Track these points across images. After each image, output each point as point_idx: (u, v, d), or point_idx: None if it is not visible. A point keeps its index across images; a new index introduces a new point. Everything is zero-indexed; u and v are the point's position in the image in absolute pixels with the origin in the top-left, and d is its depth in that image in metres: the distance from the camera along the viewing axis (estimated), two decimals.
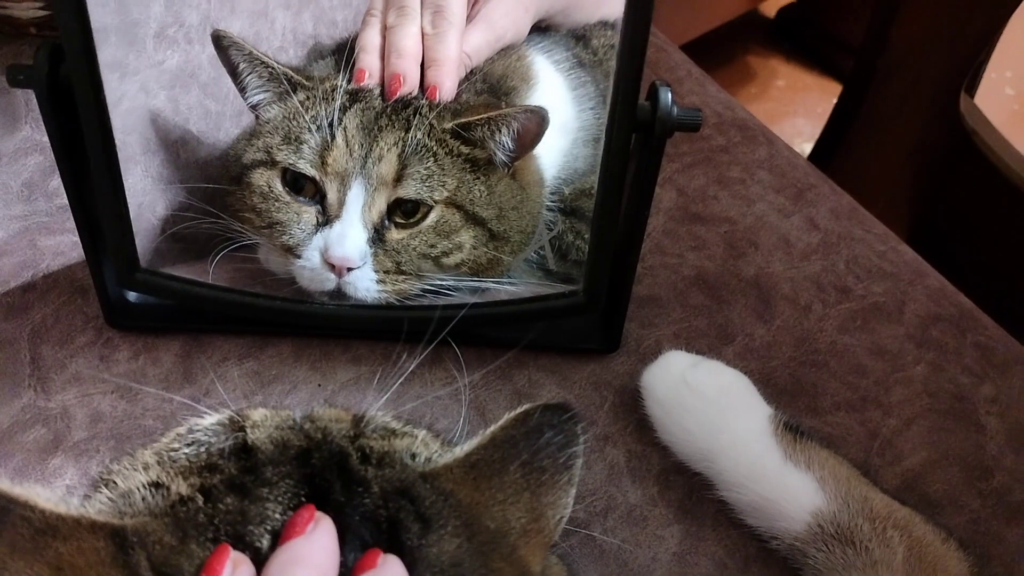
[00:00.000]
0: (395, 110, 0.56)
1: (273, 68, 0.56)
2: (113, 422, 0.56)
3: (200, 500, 0.33)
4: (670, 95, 0.48)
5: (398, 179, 0.55)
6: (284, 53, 0.65)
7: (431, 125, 0.55)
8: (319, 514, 0.33)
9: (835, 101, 1.22)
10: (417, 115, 0.55)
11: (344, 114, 0.55)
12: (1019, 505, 0.55)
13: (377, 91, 0.56)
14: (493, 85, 0.60)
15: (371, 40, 0.58)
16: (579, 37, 0.66)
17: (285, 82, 0.56)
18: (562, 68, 0.64)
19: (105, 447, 0.55)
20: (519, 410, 0.36)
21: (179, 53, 0.61)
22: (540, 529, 0.34)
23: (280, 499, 0.33)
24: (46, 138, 0.52)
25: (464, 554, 0.32)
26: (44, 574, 0.29)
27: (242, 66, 0.56)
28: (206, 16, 0.63)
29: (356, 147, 0.55)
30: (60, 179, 0.53)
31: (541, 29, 0.64)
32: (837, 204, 0.70)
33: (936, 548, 0.48)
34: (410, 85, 0.57)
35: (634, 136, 0.50)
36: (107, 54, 0.49)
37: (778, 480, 0.50)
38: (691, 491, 0.54)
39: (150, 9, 0.60)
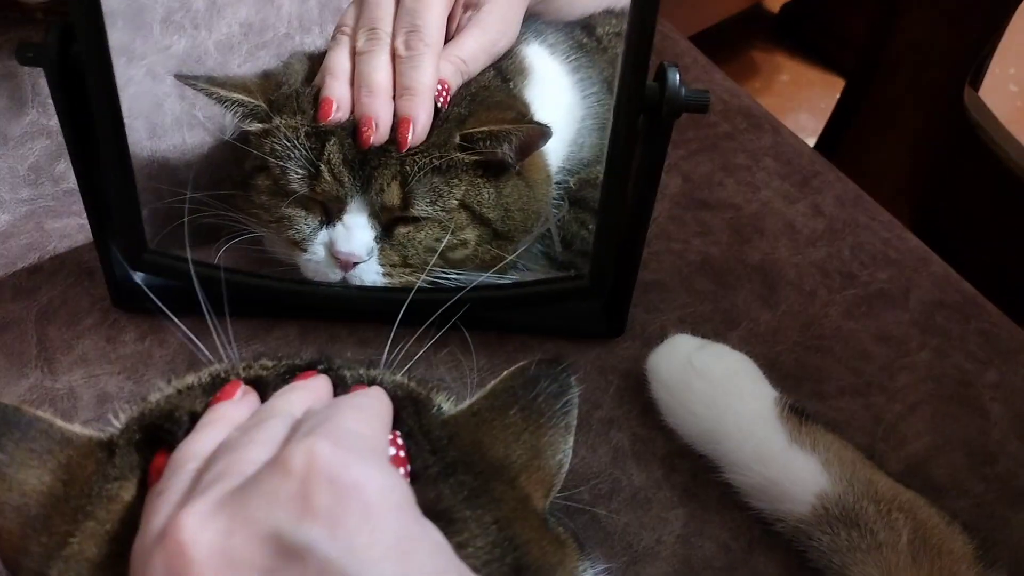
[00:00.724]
0: (382, 149, 0.54)
1: (244, 103, 0.55)
2: (119, 403, 0.56)
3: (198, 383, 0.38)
4: (678, 76, 0.48)
5: (405, 205, 0.54)
6: (290, 39, 0.65)
7: (432, 149, 0.54)
8: (321, 374, 0.38)
9: (839, 96, 1.22)
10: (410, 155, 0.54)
11: (325, 144, 0.54)
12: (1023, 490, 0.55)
13: (348, 129, 0.54)
14: (499, 70, 0.60)
15: (339, 64, 0.55)
16: (584, 25, 0.66)
17: (257, 120, 0.55)
18: (558, 52, 0.63)
19: (111, 427, 0.55)
20: (516, 365, 0.38)
21: (186, 38, 0.61)
22: (540, 466, 0.36)
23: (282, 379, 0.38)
24: (52, 122, 0.52)
25: (464, 474, 0.34)
26: (57, 470, 0.35)
27: (215, 102, 0.56)
28: (212, 1, 0.63)
29: (346, 178, 0.54)
30: (66, 163, 0.54)
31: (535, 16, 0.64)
32: (842, 191, 0.70)
33: (941, 530, 0.48)
34: (383, 130, 0.53)
35: (641, 119, 0.50)
36: (114, 38, 0.49)
37: (783, 462, 0.50)
38: (696, 474, 0.54)
39: None
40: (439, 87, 0.55)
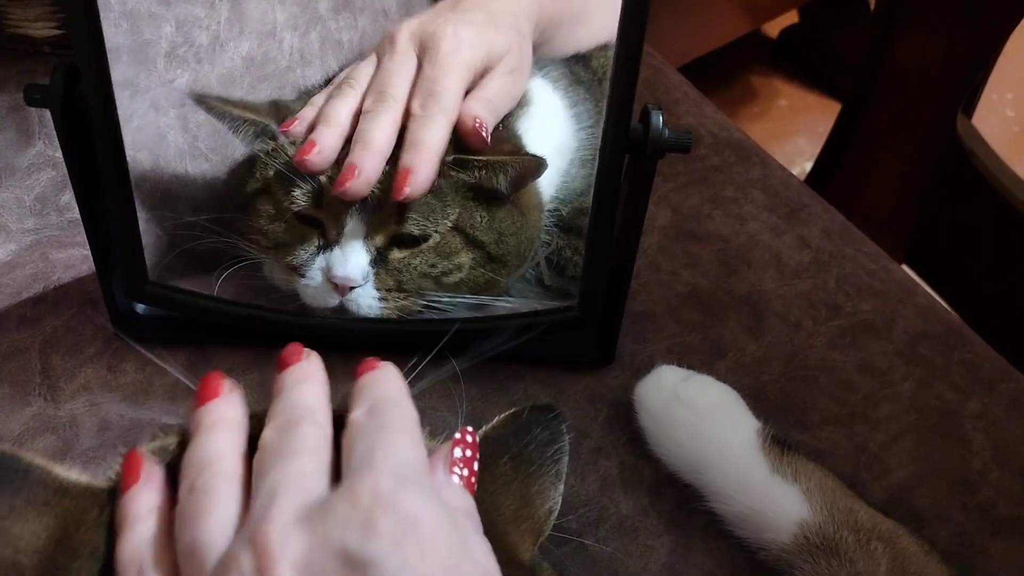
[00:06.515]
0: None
1: (256, 123, 0.56)
2: (120, 431, 0.57)
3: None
4: (661, 118, 0.50)
5: (400, 219, 0.56)
6: (291, 72, 0.66)
7: None
8: (307, 349, 0.40)
9: (835, 121, 1.23)
10: None
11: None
12: (1004, 519, 0.56)
13: (324, 179, 0.54)
14: None
15: (337, 114, 0.54)
16: (579, 57, 0.68)
17: (268, 138, 0.57)
18: (559, 87, 0.65)
19: (112, 455, 0.56)
20: (509, 411, 0.39)
21: (189, 72, 0.62)
22: (529, 516, 0.36)
23: None
24: (58, 154, 0.54)
25: None
26: (52, 524, 0.34)
27: (227, 123, 0.57)
28: (216, 36, 0.64)
29: None
30: (71, 194, 0.55)
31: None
32: (829, 223, 0.71)
33: (919, 559, 0.49)
34: (364, 180, 0.52)
35: (627, 157, 0.52)
36: (119, 73, 0.51)
37: (765, 492, 0.51)
38: (682, 503, 0.55)
39: (161, 29, 0.62)
40: (476, 123, 0.54)
